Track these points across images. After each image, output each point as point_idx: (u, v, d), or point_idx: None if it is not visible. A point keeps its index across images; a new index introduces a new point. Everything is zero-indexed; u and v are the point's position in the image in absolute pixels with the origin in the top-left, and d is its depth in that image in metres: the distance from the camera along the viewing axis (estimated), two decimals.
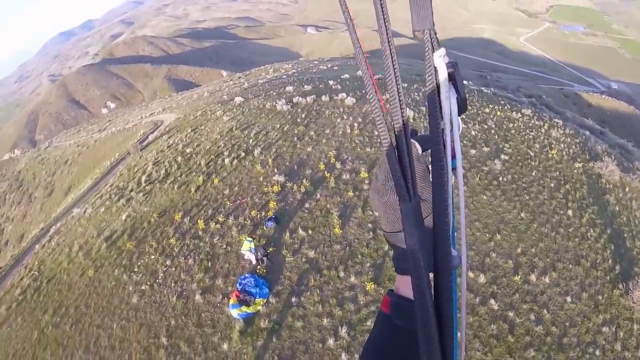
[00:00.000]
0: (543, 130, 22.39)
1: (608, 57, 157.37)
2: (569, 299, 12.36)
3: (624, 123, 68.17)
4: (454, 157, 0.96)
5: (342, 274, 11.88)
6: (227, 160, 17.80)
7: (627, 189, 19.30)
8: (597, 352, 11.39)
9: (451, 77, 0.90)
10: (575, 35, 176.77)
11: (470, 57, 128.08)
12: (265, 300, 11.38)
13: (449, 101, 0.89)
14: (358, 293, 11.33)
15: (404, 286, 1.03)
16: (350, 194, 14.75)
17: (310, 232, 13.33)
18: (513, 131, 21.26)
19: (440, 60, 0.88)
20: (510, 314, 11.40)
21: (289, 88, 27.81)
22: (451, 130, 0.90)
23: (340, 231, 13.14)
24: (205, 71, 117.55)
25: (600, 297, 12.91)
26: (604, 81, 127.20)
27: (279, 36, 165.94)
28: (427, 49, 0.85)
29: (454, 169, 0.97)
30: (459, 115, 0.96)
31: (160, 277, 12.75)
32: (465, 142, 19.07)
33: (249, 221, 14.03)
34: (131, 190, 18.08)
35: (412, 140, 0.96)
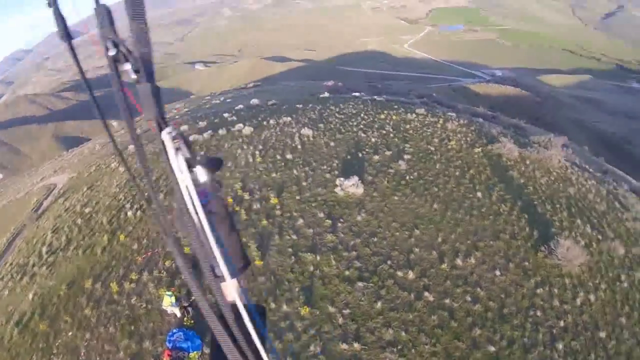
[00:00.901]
0: (439, 125, 24.81)
1: (489, 48, 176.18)
2: (497, 272, 13.92)
3: (513, 104, 76.10)
4: (205, 197, 1.31)
5: (272, 305, 12.16)
6: (130, 213, 17.54)
7: (527, 162, 21.92)
8: (538, 313, 13.13)
9: (185, 142, 1.22)
10: (456, 34, 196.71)
11: (360, 70, 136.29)
12: (199, 353, 11.30)
13: (177, 164, 1.21)
14: (294, 320, 11.73)
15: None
16: (264, 222, 15.29)
17: None
18: (411, 131, 23.40)
19: (167, 136, 1.18)
20: (447, 301, 12.58)
21: (184, 127, 27.93)
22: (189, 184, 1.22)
23: (262, 262, 13.49)
24: (94, 124, 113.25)
25: (526, 264, 14.76)
26: (488, 70, 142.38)
27: (167, 77, 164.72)
28: (157, 132, 1.14)
29: (205, 204, 1.28)
30: (218, 167, 1.39)
31: (82, 354, 12.11)
32: (367, 149, 20.83)
33: (164, 273, 13.89)
34: (33, 265, 17.08)
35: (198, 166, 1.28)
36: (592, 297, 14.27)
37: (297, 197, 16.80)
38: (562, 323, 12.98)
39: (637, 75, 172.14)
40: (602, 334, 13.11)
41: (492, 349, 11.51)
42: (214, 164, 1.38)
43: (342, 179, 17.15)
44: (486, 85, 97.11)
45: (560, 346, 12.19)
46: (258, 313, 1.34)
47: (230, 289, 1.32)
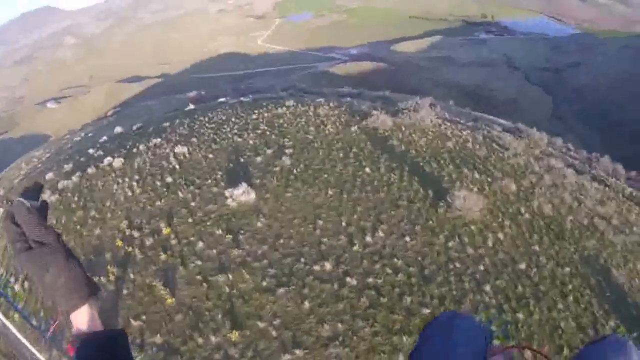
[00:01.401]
0: (311, 113, 25.30)
1: (340, 30, 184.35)
2: (407, 239, 14.75)
3: (375, 78, 79.58)
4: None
5: (200, 340, 11.50)
6: (17, 287, 15.48)
7: (403, 128, 23.12)
8: (457, 265, 14.16)
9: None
10: (306, 22, 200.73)
11: (220, 74, 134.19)
12: None
13: None
14: (227, 348, 11.23)
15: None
16: (163, 256, 14.52)
17: (143, 317, 12.52)
18: (285, 125, 23.57)
19: None
20: (370, 280, 13.14)
21: (49, 175, 25.24)
22: None
23: (173, 299, 12.69)
24: None
25: (431, 222, 15.88)
26: (344, 51, 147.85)
27: (18, 123, 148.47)
28: None
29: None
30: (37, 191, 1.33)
31: None
32: (248, 153, 20.76)
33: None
34: None
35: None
36: (500, 236, 15.86)
37: (190, 220, 16.15)
38: (481, 267, 14.24)
39: (483, 26, 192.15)
40: (522, 266, 14.62)
41: (427, 310, 12.28)
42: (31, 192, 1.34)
43: (230, 189, 16.79)
44: (345, 66, 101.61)
45: (487, 288, 13.35)
46: (118, 339, 1.33)
47: (80, 318, 1.31)
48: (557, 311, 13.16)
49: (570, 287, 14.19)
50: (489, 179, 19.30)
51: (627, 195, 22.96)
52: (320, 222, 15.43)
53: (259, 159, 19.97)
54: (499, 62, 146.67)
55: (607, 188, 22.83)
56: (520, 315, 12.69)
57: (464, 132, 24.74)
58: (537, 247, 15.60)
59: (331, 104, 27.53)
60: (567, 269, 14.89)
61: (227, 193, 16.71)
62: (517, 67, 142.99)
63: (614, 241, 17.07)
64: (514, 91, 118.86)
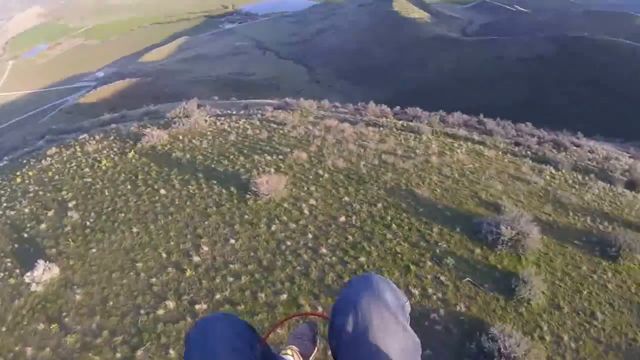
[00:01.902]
0: (80, 154, 23.44)
1: (82, 54, 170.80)
2: (232, 241, 15.31)
3: (133, 95, 76.55)
4: None
5: None
6: None
7: (181, 137, 23.01)
8: (288, 242, 14.86)
9: None
10: (42, 56, 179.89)
11: None
12: None
13: None
14: None
15: None
16: None
17: None
18: (57, 177, 21.46)
19: None
20: (218, 296, 13.19)
21: None
22: None
23: None
24: None
25: (247, 216, 16.46)
26: (91, 76, 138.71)
27: None
28: None
29: None
30: None
31: None
32: (29, 224, 17.97)
33: None
34: None
35: None
36: (312, 202, 17.02)
37: (4, 329, 13.51)
38: (309, 235, 15.23)
39: (226, 17, 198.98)
40: (342, 218, 16.04)
41: (284, 296, 12.77)
42: None
43: (29, 273, 14.37)
44: (96, 92, 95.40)
45: (323, 250, 14.48)
46: None
47: None
48: (388, 241, 14.82)
49: (388, 217, 16.05)
50: (280, 157, 20.38)
51: (400, 128, 26.49)
52: (140, 265, 14.48)
53: (43, 226, 17.71)
54: (249, 47, 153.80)
55: (381, 128, 25.86)
56: (362, 259, 13.99)
57: (240, 122, 25.48)
58: (347, 198, 17.16)
59: (97, 137, 25.67)
60: (380, 205, 16.76)
61: (27, 279, 14.40)
62: (267, 48, 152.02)
63: (405, 167, 19.66)
64: (271, 70, 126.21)
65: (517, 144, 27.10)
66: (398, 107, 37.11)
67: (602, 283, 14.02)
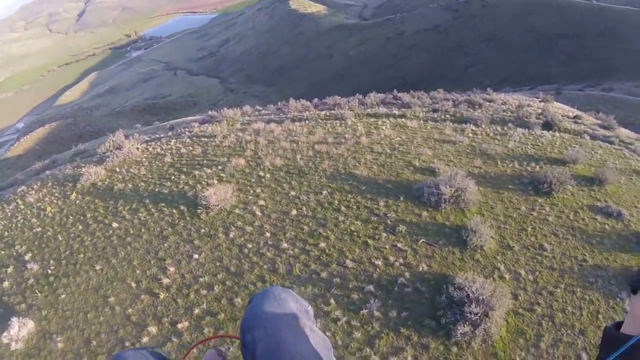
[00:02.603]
0: (22, 206, 21.58)
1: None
2: (196, 256, 14.52)
3: (57, 139, 72.64)
4: None
5: None
6: None
7: (118, 169, 21.58)
8: (249, 245, 14.46)
9: None
10: None
11: None
12: None
13: None
14: None
15: None
16: None
17: None
18: (6, 233, 19.44)
19: None
20: (196, 310, 12.78)
21: None
22: None
23: None
24: None
25: (203, 230, 15.91)
26: (11, 130, 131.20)
27: None
28: None
29: None
30: None
31: None
32: None
33: None
34: None
35: None
36: (261, 202, 16.72)
37: None
38: (267, 234, 14.89)
39: (130, 45, 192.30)
40: (294, 212, 15.78)
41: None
42: None
43: (4, 333, 12.99)
44: (20, 143, 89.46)
45: (284, 245, 14.18)
46: None
47: None
48: (341, 223, 14.87)
49: (336, 202, 16.10)
50: (220, 167, 19.90)
51: (324, 117, 26.59)
52: (112, 299, 13.69)
53: (5, 284, 16.27)
54: (159, 70, 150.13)
55: (307, 121, 25.88)
56: (322, 244, 13.99)
57: (171, 143, 24.72)
58: (293, 192, 17.04)
59: (35, 187, 24.03)
60: (325, 192, 16.77)
61: (4, 339, 13.27)
62: (177, 67, 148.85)
63: (339, 152, 19.81)
64: (185, 88, 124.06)
65: (435, 110, 27.90)
66: (317, 99, 37.22)
67: (542, 217, 14.79)
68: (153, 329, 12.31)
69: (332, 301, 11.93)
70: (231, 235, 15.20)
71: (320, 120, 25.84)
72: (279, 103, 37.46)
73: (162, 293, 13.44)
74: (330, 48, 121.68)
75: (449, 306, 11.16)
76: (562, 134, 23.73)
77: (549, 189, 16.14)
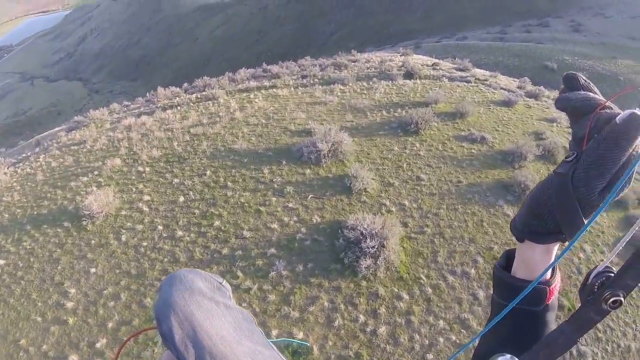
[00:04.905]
0: None
1: None
2: (93, 270, 13.35)
3: None
4: None
5: None
6: None
7: None
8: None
9: None
10: None
11: None
12: None
13: None
14: None
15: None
16: None
17: None
18: None
19: None
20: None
21: None
22: None
23: None
24: None
25: (94, 241, 14.42)
26: None
27: None
28: None
29: None
30: None
31: None
32: None
33: None
34: None
35: None
36: (148, 198, 16.25)
37: None
38: (160, 228, 14.63)
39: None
40: (181, 199, 15.58)
41: None
42: None
43: None
44: None
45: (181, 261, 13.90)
46: None
47: None
48: (231, 198, 15.17)
49: (221, 179, 16.26)
50: (96, 173, 18.97)
51: (196, 100, 26.22)
52: (23, 341, 12.40)
53: None
54: (15, 82, 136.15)
55: (179, 107, 25.40)
56: (217, 223, 14.15)
57: (40, 159, 22.94)
58: (176, 180, 16.89)
59: None
60: (208, 172, 16.87)
61: None
62: (34, 76, 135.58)
63: (216, 131, 19.88)
64: (46, 98, 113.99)
65: (303, 76, 28.76)
66: (186, 84, 36.40)
67: (415, 153, 16.44)
68: (74, 357, 11.77)
69: (239, 273, 12.34)
70: (123, 239, 14.76)
71: (192, 104, 25.51)
72: (148, 94, 36.06)
73: (70, 318, 12.78)
74: (194, 30, 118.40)
75: (348, 247, 12.19)
76: (422, 80, 25.87)
77: (417, 128, 17.93)
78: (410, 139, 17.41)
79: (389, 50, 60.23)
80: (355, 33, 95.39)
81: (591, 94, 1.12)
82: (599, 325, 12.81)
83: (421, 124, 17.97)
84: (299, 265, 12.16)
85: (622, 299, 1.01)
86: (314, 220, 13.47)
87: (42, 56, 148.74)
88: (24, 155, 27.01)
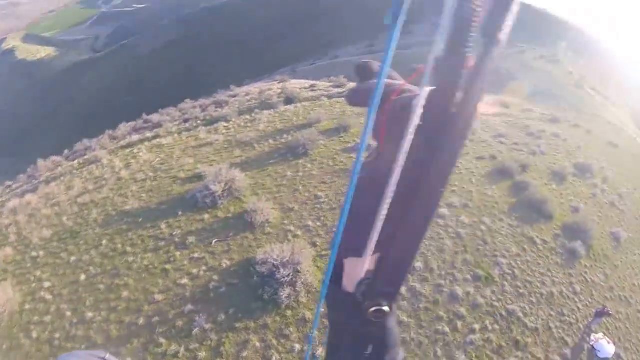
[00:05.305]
0: None
1: None
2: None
3: None
4: None
5: None
6: None
7: None
8: None
9: None
10: None
11: None
12: None
13: None
14: None
15: None
16: None
17: None
18: None
19: None
20: None
21: None
22: None
23: None
24: None
25: None
26: None
27: None
28: None
29: None
30: None
31: None
32: None
33: None
34: None
35: None
36: (49, 284, 14.70)
37: None
38: (68, 314, 13.32)
39: None
40: (83, 277, 14.36)
41: None
42: None
43: None
44: None
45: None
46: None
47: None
48: (134, 263, 14.26)
49: (119, 245, 15.25)
50: None
51: (78, 166, 24.59)
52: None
53: None
54: None
55: (62, 177, 23.72)
56: (125, 293, 13.24)
57: None
58: (73, 257, 15.52)
59: None
60: (104, 241, 15.73)
61: None
62: None
63: (104, 195, 18.65)
64: None
65: (186, 120, 28.13)
66: (67, 150, 34.28)
67: (308, 174, 16.65)
68: None
69: (162, 340, 11.55)
70: (34, 335, 13.21)
71: (75, 171, 23.89)
72: (29, 170, 33.45)
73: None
74: (69, 90, 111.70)
75: (264, 282, 11.93)
76: (303, 103, 26.27)
77: (305, 150, 18.12)
78: (301, 162, 17.52)
79: (266, 80, 61.02)
80: (233, 69, 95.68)
81: (388, 80, 0.95)
82: (517, 283, 13.74)
83: (308, 145, 18.20)
84: (221, 314, 11.65)
85: (387, 307, 0.88)
86: (224, 265, 13.01)
87: None
88: None
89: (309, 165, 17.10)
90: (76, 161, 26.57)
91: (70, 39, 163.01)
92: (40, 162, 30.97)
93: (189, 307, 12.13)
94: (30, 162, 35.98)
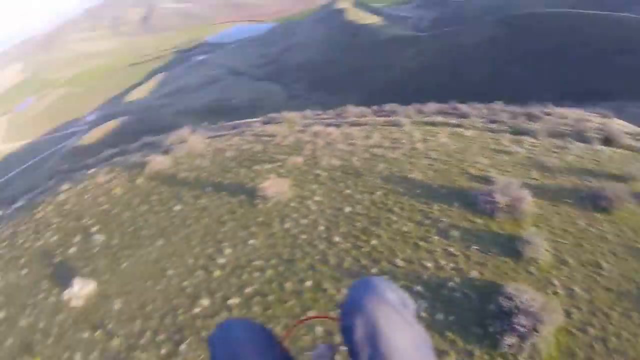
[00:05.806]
0: (92, 186, 23.32)
1: (68, 103, 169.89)
2: (252, 241, 14.92)
3: (125, 132, 75.71)
4: None
5: None
6: None
7: (182, 161, 22.18)
8: (302, 236, 14.68)
9: None
10: (31, 108, 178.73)
11: None
12: None
13: None
14: None
15: None
16: None
17: None
18: (75, 208, 21.08)
19: None
20: (248, 289, 12.96)
21: None
22: None
23: None
24: None
25: (260, 218, 16.36)
26: (81, 122, 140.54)
27: None
28: None
29: None
30: None
31: None
32: (57, 250, 17.44)
33: None
34: None
35: None
36: (317, 198, 16.86)
37: (50, 341, 13.34)
38: (321, 227, 15.02)
39: (194, 50, 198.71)
40: (348, 209, 15.81)
41: (309, 283, 12.60)
42: None
43: (67, 290, 14.45)
44: (90, 134, 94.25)
45: (337, 238, 14.29)
46: None
47: None
48: (394, 223, 14.78)
49: (390, 203, 15.97)
50: (279, 164, 20.35)
51: (381, 124, 26.39)
52: (170, 272, 14.49)
53: (72, 250, 17.58)
54: (224, 74, 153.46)
55: (365, 126, 25.85)
56: (374, 242, 13.97)
57: (233, 140, 25.40)
58: (348, 191, 17.14)
59: (104, 170, 25.41)
60: (379, 192, 16.70)
61: (66, 296, 14.32)
62: (241, 72, 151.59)
63: (395, 156, 19.67)
64: (249, 93, 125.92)
65: (492, 121, 27.17)
66: (376, 106, 37.11)
67: (600, 235, 13.93)
68: (205, 302, 12.86)
69: None
70: (286, 226, 15.51)
71: (377, 126, 25.74)
72: (339, 109, 37.60)
73: (217, 271, 13.98)
74: (388, 58, 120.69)
75: (497, 315, 10.75)
76: (622, 150, 22.48)
77: (608, 206, 15.22)
78: (598, 216, 14.93)
79: (590, 108, 54.03)
80: (551, 83, 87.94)
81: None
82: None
83: (615, 202, 15.38)
84: (440, 314, 11.16)
85: None
86: (471, 274, 12.26)
87: (249, 58, 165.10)
88: (220, 133, 30.08)
89: (605, 226, 14.43)
90: (381, 118, 28.60)
91: (396, 14, 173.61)
92: (350, 107, 34.32)
93: (419, 288, 11.94)
94: (341, 104, 40.15)
